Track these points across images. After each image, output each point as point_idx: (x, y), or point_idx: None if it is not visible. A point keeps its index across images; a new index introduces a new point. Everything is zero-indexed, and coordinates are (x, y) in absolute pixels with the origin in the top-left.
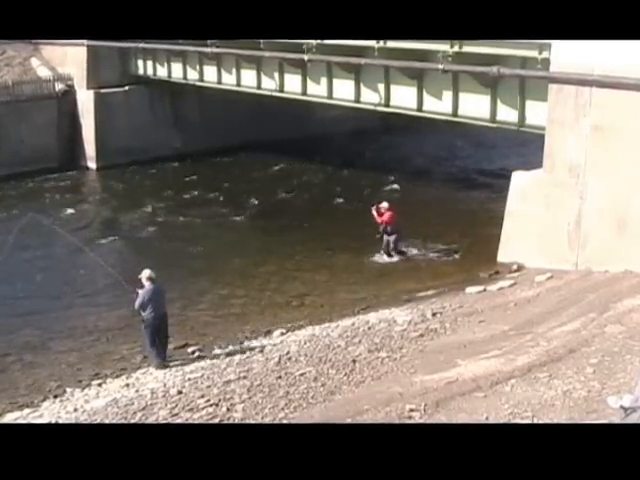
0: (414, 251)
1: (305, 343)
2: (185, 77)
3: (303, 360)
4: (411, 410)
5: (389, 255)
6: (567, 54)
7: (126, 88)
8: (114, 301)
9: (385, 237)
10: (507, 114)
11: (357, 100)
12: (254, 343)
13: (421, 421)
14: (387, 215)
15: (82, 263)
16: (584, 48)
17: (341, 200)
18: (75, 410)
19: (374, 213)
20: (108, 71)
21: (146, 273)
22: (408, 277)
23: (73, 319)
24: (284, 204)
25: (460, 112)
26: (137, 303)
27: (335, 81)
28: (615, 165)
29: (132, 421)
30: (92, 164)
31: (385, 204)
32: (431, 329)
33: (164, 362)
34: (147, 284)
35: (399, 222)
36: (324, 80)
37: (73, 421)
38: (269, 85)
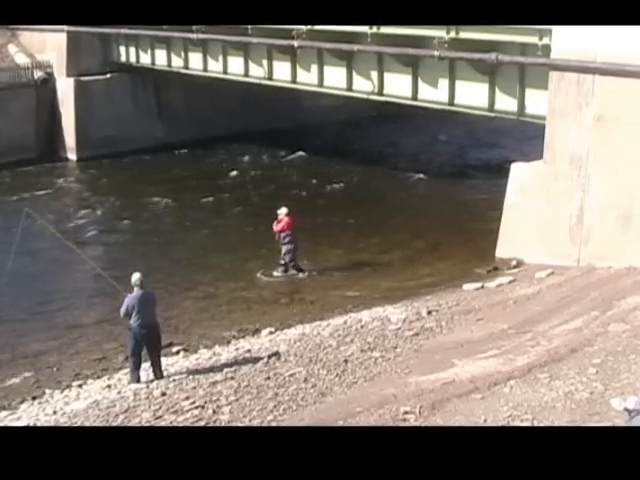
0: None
1: (295, 342)
2: (169, 64)
3: (293, 360)
4: (405, 412)
5: (285, 270)
6: (569, 40)
7: (108, 76)
8: (95, 298)
9: (282, 247)
10: (506, 103)
11: (349, 88)
12: (241, 342)
13: (416, 424)
14: (283, 222)
15: (63, 259)
16: (586, 34)
17: (327, 193)
18: (54, 412)
19: (274, 224)
20: (89, 58)
21: (134, 277)
22: (402, 273)
23: (53, 317)
24: (272, 197)
25: (457, 101)
26: (122, 310)
27: (326, 68)
28: (619, 156)
29: (114, 424)
30: (72, 155)
31: (284, 210)
32: (426, 328)
33: (139, 379)
34: (135, 289)
35: (297, 231)
36: (315, 67)
37: (52, 424)
38: (257, 73)
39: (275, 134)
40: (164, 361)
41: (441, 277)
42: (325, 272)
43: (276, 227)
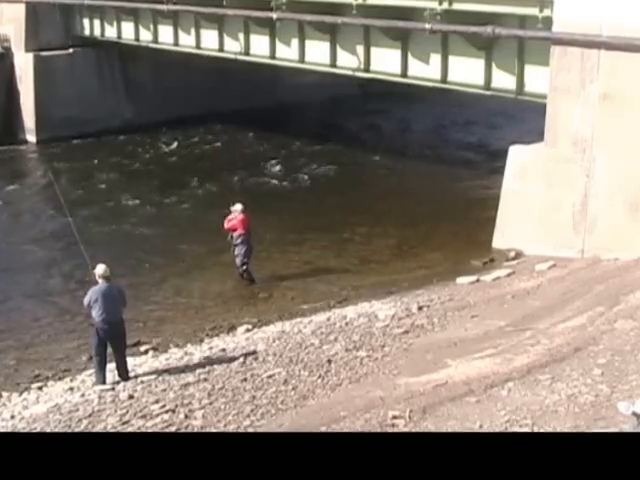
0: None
1: (274, 341)
2: (137, 38)
3: (271, 360)
4: (394, 417)
5: (241, 276)
6: (572, 12)
7: (70, 51)
8: (56, 292)
9: (234, 249)
10: (503, 80)
11: (333, 64)
12: (215, 341)
13: (406, 429)
14: (237, 221)
15: (20, 250)
16: (591, 5)
17: (309, 178)
18: (12, 417)
19: (225, 222)
20: (50, 31)
21: (99, 270)
22: (391, 266)
23: (11, 311)
24: (251, 184)
25: (450, 78)
26: (85, 301)
27: (308, 43)
28: (626, 138)
29: (77, 430)
30: (31, 137)
31: (238, 206)
32: (417, 325)
33: (104, 381)
34: (100, 282)
35: (252, 232)
36: (295, 42)
37: (10, 430)
38: (233, 47)
39: (252, 114)
40: (131, 361)
41: (433, 270)
42: (307, 265)
43: (227, 224)
